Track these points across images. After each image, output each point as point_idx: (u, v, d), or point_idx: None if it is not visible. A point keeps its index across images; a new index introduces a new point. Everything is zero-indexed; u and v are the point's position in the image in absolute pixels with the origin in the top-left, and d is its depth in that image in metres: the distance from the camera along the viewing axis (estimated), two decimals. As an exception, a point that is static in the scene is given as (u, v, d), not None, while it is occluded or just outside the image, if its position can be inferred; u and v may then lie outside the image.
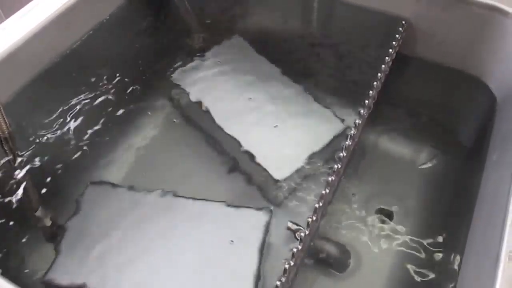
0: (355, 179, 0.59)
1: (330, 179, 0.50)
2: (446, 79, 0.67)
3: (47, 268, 0.50)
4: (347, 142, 0.53)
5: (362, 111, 0.56)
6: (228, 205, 0.55)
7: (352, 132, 0.54)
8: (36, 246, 0.53)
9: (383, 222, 0.56)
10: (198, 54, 0.72)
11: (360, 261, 0.53)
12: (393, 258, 0.53)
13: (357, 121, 0.55)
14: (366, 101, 0.56)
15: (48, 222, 0.54)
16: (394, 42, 0.62)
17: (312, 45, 0.73)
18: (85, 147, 0.60)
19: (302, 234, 0.47)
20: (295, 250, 0.45)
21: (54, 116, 0.60)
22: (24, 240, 0.53)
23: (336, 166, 0.51)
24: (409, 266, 0.52)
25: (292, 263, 0.45)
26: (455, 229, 0.54)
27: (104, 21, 0.67)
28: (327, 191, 0.49)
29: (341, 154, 0.52)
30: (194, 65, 0.70)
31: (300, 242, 0.46)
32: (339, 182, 0.56)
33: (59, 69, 0.61)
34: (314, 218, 0.48)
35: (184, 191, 0.57)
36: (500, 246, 0.40)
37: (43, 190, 0.56)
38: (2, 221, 0.52)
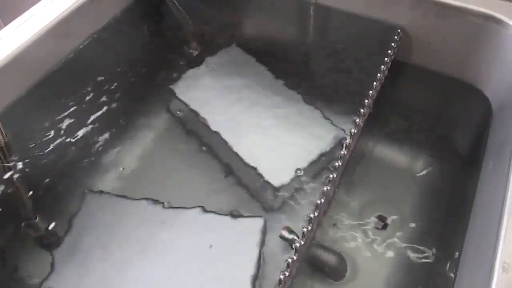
0: (351, 187, 0.59)
1: (325, 188, 0.50)
2: (442, 87, 0.67)
3: (43, 277, 0.50)
4: (342, 152, 0.53)
5: (357, 120, 0.56)
6: (225, 214, 0.55)
7: (348, 141, 0.54)
8: (32, 254, 0.53)
9: (379, 230, 0.56)
10: (195, 63, 0.72)
11: (356, 269, 0.53)
12: (389, 266, 0.53)
13: (352, 130, 0.55)
14: (362, 110, 0.56)
15: (45, 231, 0.54)
16: (389, 51, 0.62)
17: (308, 54, 0.73)
18: (83, 156, 0.60)
19: (298, 244, 0.47)
20: (290, 260, 0.45)
21: (51, 125, 0.60)
22: (20, 248, 0.53)
23: (331, 176, 0.51)
24: (405, 274, 0.52)
25: (287, 274, 0.45)
26: (451, 238, 0.54)
27: (101, 31, 0.67)
28: (322, 200, 0.49)
29: (336, 164, 0.53)
30: (192, 74, 0.70)
31: (295, 253, 0.46)
32: (334, 191, 0.56)
33: (56, 78, 0.61)
34: (309, 228, 0.48)
35: (182, 200, 0.57)
36: (494, 257, 0.40)
37: (40, 199, 0.56)
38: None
